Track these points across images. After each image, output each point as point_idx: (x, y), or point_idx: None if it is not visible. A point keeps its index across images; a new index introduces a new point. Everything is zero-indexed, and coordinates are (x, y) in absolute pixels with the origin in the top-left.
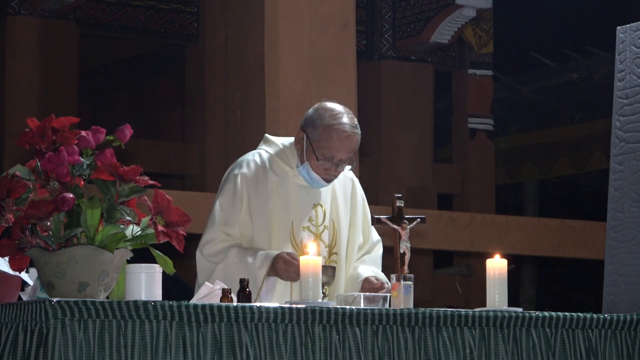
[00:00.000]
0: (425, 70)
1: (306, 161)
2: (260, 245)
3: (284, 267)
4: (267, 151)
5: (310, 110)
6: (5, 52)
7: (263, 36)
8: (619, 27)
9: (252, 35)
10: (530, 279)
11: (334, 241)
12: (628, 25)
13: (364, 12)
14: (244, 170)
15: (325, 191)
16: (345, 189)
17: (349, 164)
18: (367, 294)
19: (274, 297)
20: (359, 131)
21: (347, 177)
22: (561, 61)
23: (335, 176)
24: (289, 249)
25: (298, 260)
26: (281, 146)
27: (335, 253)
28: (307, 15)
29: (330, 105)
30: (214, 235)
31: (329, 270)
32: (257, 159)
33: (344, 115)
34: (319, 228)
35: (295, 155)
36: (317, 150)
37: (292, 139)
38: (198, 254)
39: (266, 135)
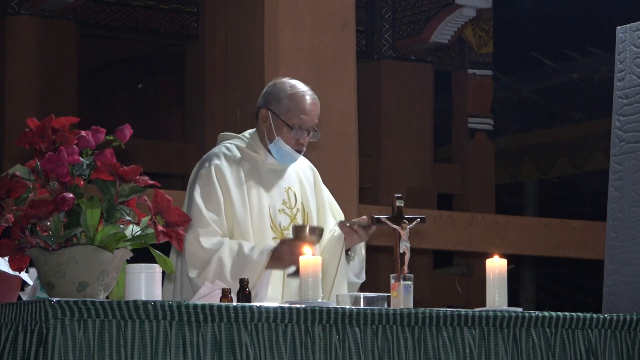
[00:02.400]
0: (425, 70)
1: (276, 136)
2: (243, 231)
3: (289, 250)
4: (231, 143)
5: (267, 89)
6: (5, 52)
7: (263, 36)
8: (619, 27)
9: (252, 35)
10: (530, 279)
11: (306, 223)
12: (628, 25)
13: (364, 12)
14: (216, 162)
15: (293, 175)
16: (308, 177)
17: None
18: (367, 294)
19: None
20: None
21: (306, 165)
22: (561, 61)
23: (304, 146)
24: (269, 233)
25: (299, 246)
26: (242, 137)
27: None
28: (307, 16)
29: (284, 79)
30: (206, 229)
31: (317, 231)
32: (226, 151)
33: (300, 84)
34: (293, 210)
35: (258, 142)
36: (288, 120)
37: (250, 130)
38: (194, 242)
39: (221, 134)
